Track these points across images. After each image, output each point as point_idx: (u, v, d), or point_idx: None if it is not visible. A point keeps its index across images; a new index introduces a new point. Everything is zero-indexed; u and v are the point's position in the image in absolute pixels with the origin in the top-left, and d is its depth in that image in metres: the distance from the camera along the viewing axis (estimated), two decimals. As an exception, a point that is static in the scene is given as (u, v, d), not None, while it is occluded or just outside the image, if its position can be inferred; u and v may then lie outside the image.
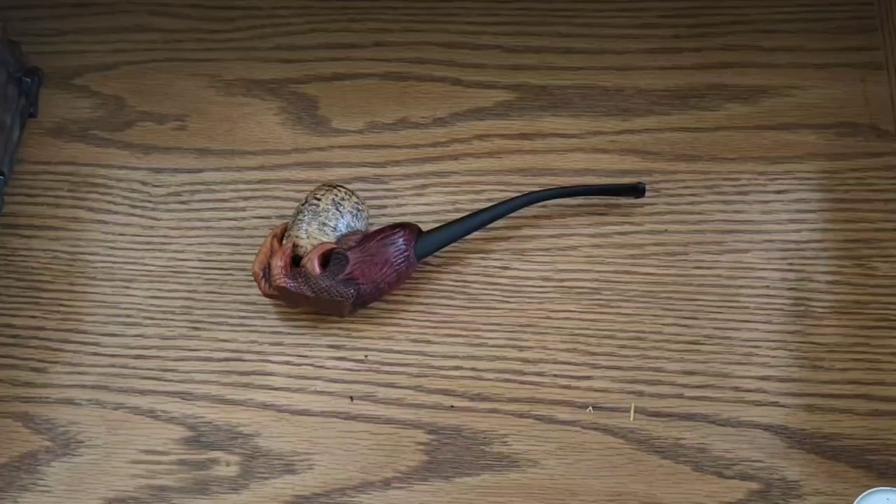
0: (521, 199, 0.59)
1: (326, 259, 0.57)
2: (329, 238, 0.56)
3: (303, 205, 0.58)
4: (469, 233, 0.59)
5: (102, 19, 0.70)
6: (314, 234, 0.57)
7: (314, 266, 0.56)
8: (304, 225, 0.57)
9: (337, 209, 0.56)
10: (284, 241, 0.57)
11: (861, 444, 0.55)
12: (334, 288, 0.55)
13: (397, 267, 0.56)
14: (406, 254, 0.56)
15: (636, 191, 0.60)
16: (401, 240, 0.56)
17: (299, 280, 0.55)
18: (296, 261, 0.57)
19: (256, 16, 0.70)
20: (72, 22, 0.71)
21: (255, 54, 0.68)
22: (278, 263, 0.56)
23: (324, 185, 0.58)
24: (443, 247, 0.59)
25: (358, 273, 0.55)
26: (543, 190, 0.60)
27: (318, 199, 0.57)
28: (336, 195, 0.57)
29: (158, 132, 0.66)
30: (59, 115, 0.67)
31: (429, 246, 0.57)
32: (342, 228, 0.57)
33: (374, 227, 0.59)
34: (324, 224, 0.56)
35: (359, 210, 0.58)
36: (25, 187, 0.65)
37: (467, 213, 0.59)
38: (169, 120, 0.67)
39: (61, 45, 0.70)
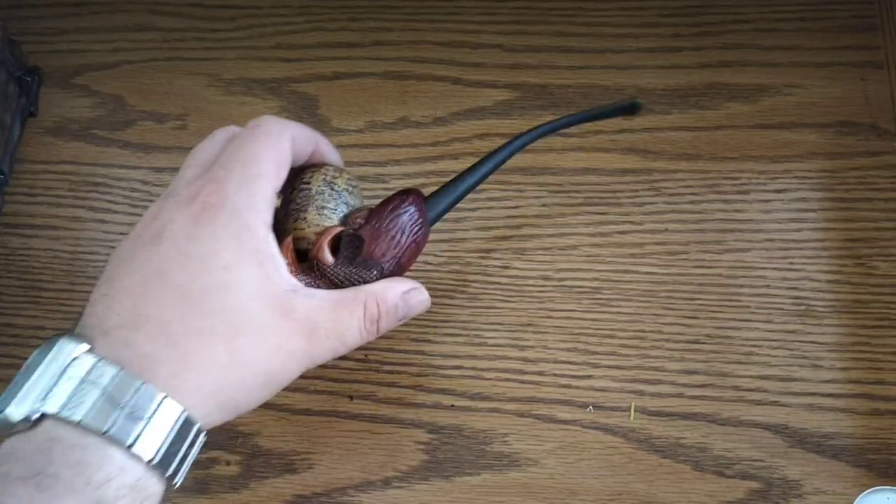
0: (515, 142, 0.54)
1: (336, 246, 0.49)
2: (332, 221, 0.49)
3: (290, 194, 0.50)
4: (472, 189, 0.53)
5: (102, 18, 0.70)
6: (314, 221, 0.48)
7: (326, 255, 0.48)
8: (300, 214, 0.49)
9: (332, 188, 0.49)
10: (284, 240, 0.49)
11: (861, 444, 0.55)
12: (356, 274, 0.48)
13: (415, 236, 0.49)
14: (420, 220, 0.50)
15: (633, 108, 0.54)
16: (412, 207, 0.50)
17: (314, 274, 0.47)
18: (302, 256, 0.49)
19: (256, 15, 0.70)
20: (72, 21, 0.71)
21: (255, 53, 0.68)
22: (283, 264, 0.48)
23: (308, 168, 0.50)
24: (451, 208, 0.52)
25: (377, 252, 0.48)
26: (534, 128, 0.54)
27: (308, 183, 0.49)
28: (325, 174, 0.50)
29: (158, 131, 0.66)
30: (59, 114, 0.67)
31: (438, 209, 0.51)
32: (343, 209, 0.50)
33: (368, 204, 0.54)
34: (322, 207, 0.49)
35: (354, 186, 0.51)
36: (25, 187, 0.65)
37: (461, 171, 0.53)
38: (169, 119, 0.67)
39: (61, 45, 0.70)
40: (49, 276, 0.62)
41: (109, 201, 0.64)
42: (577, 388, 0.57)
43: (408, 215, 0.49)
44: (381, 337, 0.58)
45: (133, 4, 0.71)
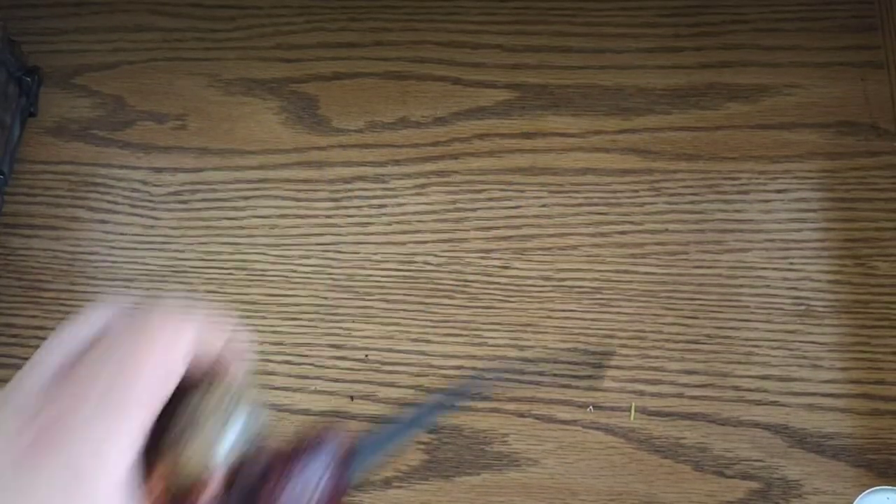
0: (450, 394, 0.41)
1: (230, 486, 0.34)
2: (224, 461, 0.33)
3: (178, 407, 0.33)
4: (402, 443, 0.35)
5: (102, 18, 0.70)
6: (200, 454, 0.33)
7: None
8: (182, 438, 0.33)
9: (230, 415, 0.33)
10: (155, 469, 0.32)
11: (861, 444, 0.55)
12: None
13: (329, 496, 0.35)
14: (338, 471, 0.36)
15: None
16: (330, 452, 0.36)
17: None
18: (180, 496, 0.33)
19: (256, 15, 0.70)
20: (71, 21, 0.71)
21: (254, 53, 0.68)
22: None
23: (206, 378, 0.33)
24: (378, 456, 0.36)
25: None
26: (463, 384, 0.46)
27: (202, 400, 0.33)
28: (229, 391, 0.33)
29: (158, 132, 0.66)
30: (58, 114, 0.67)
31: (363, 458, 0.36)
32: (241, 443, 0.34)
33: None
34: (214, 440, 0.33)
35: (260, 412, 0.35)
36: (25, 187, 0.65)
37: (405, 416, 0.35)
38: (169, 119, 0.67)
39: (61, 45, 0.70)
40: (49, 276, 0.62)
41: (109, 201, 0.64)
42: (577, 388, 0.57)
43: (320, 464, 0.36)
44: (381, 336, 0.59)
45: (133, 4, 0.71)
